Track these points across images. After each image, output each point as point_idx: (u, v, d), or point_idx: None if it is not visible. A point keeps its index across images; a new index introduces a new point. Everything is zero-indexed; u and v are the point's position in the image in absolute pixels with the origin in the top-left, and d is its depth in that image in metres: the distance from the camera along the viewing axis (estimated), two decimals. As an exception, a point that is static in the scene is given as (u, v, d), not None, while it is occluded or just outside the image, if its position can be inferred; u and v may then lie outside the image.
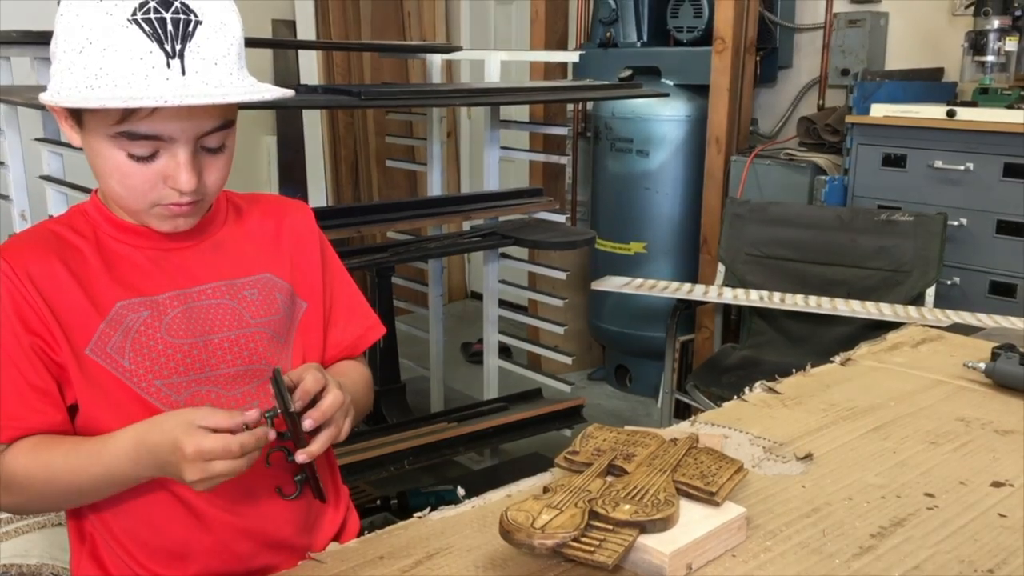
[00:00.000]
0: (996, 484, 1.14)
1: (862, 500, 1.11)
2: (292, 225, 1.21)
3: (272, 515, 1.11)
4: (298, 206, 1.25)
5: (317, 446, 1.00)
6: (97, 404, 1.03)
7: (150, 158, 1.00)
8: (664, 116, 3.64)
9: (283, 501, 1.10)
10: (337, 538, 1.20)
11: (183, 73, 0.95)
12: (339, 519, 1.22)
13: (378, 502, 2.76)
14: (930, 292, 2.84)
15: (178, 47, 0.94)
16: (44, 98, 0.98)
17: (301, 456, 1.00)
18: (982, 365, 1.47)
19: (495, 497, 1.13)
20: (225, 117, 1.02)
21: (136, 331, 1.05)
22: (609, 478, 1.05)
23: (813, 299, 2.82)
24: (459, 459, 3.22)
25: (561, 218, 3.07)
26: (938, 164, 2.89)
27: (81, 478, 1.00)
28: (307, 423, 0.99)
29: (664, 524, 0.96)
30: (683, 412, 3.55)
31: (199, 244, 1.13)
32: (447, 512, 1.09)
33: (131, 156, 0.99)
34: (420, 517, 1.08)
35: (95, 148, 1.01)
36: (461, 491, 1.14)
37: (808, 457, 1.22)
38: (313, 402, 1.01)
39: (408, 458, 2.67)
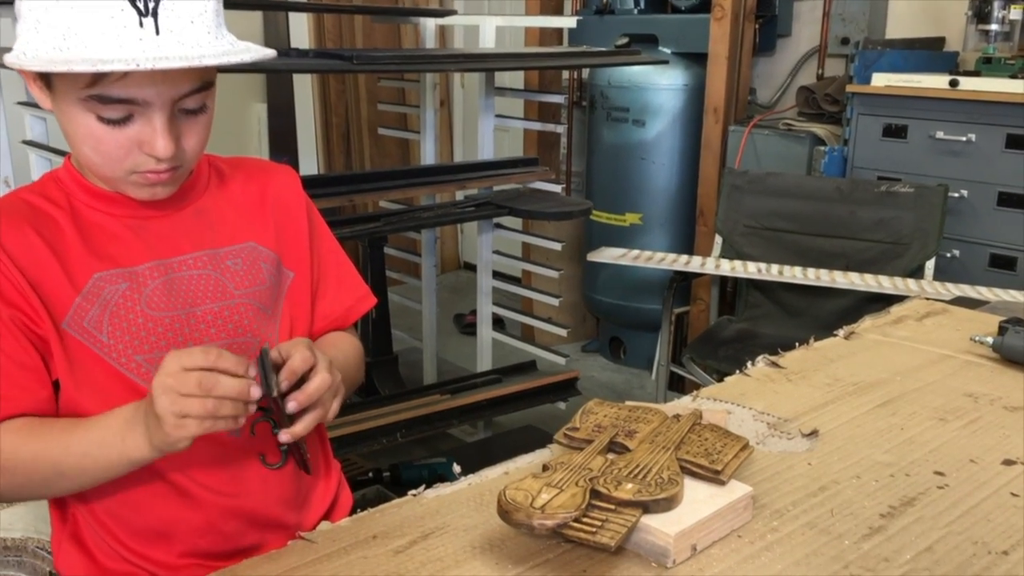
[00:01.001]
0: (1007, 462, 1.11)
1: (870, 478, 1.07)
2: (277, 191, 1.16)
3: (259, 492, 1.07)
4: (283, 170, 1.20)
5: (301, 427, 0.95)
6: (76, 382, 0.99)
7: (124, 122, 0.95)
8: (661, 85, 3.58)
9: (271, 478, 1.06)
10: (329, 514, 1.17)
11: (157, 32, 0.89)
12: (330, 495, 1.19)
13: (370, 475, 2.73)
14: (929, 265, 2.81)
15: (151, 4, 0.89)
16: (9, 60, 0.92)
17: (284, 436, 0.95)
18: (989, 339, 1.44)
19: (492, 474, 1.09)
20: (203, 79, 0.97)
21: (114, 304, 1.00)
22: (610, 456, 1.02)
23: (811, 271, 2.79)
24: (452, 432, 3.20)
25: (556, 188, 3.02)
26: (939, 135, 2.85)
27: (67, 458, 0.95)
28: (291, 405, 0.93)
29: (668, 504, 0.93)
30: (677, 385, 3.53)
31: (179, 211, 1.08)
32: (442, 490, 1.05)
33: (103, 120, 0.94)
34: (414, 495, 1.04)
35: (66, 112, 0.95)
36: (457, 468, 1.09)
37: (814, 434, 1.19)
38: (301, 381, 0.95)
39: (401, 431, 2.63)
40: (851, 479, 1.07)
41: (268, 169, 1.19)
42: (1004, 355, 1.42)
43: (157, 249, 1.05)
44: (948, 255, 2.87)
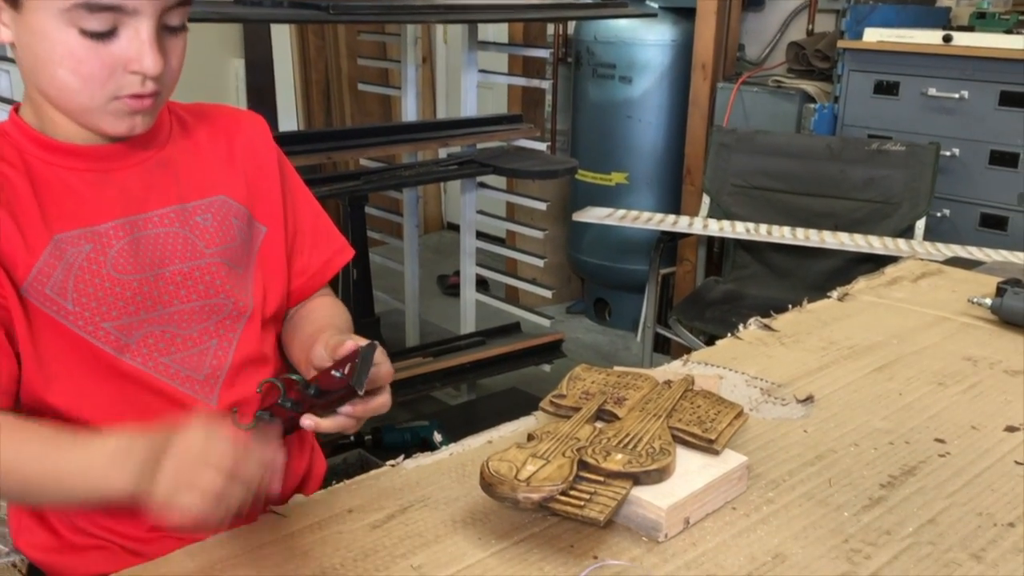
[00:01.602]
0: (1010, 428, 1.07)
1: (869, 446, 1.03)
2: (246, 140, 1.09)
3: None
4: (251, 118, 1.13)
5: (329, 424, 0.84)
6: (39, 355, 0.92)
7: (108, 36, 0.88)
8: (648, 41, 3.50)
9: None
10: (302, 485, 1.12)
11: None
12: (303, 464, 1.13)
13: (351, 438, 2.68)
14: (920, 224, 2.76)
15: None
16: None
17: (309, 422, 0.83)
18: (988, 301, 1.40)
19: (475, 443, 1.04)
20: None
21: (79, 268, 0.94)
22: (599, 424, 0.97)
23: (800, 231, 2.74)
24: (435, 395, 3.15)
25: (541, 146, 2.95)
26: (932, 92, 2.79)
27: (39, 478, 0.85)
28: (346, 409, 0.84)
29: (660, 475, 0.88)
30: (663, 346, 3.50)
31: (143, 163, 1.01)
32: (423, 460, 1.00)
33: (85, 34, 0.87)
34: (393, 465, 0.99)
35: (41, 31, 0.87)
36: (438, 437, 1.03)
37: (809, 399, 1.14)
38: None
39: (383, 394, 2.58)
40: (849, 447, 1.03)
41: (235, 116, 1.12)
42: (1003, 317, 1.38)
43: (121, 205, 0.98)
44: (938, 215, 2.83)
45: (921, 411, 1.11)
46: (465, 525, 0.88)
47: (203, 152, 1.06)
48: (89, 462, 0.82)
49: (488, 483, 0.84)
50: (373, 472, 0.98)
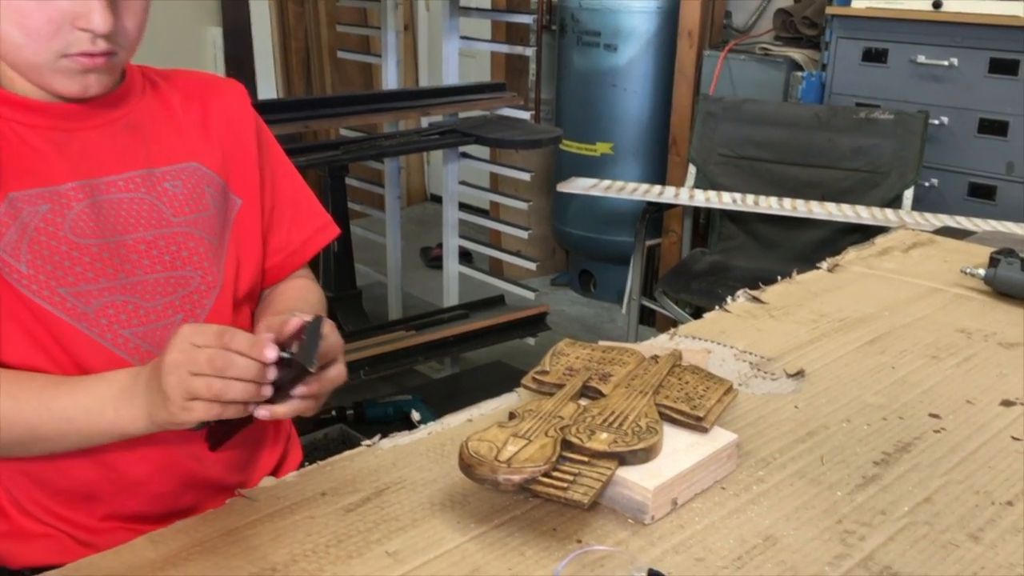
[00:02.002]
0: (1006, 403, 1.04)
1: (862, 422, 1.00)
2: (223, 107, 1.04)
3: (196, 451, 0.97)
4: (229, 84, 1.08)
5: (285, 409, 0.79)
6: None
7: None
8: (634, 7, 3.43)
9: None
10: (275, 472, 1.07)
11: None
12: (278, 451, 1.09)
13: (333, 413, 2.64)
14: (908, 194, 2.73)
15: None
16: None
17: (263, 412, 0.78)
18: (981, 271, 1.36)
19: (454, 422, 1.00)
20: None
21: (34, 229, 0.89)
22: (583, 402, 0.93)
23: (788, 201, 2.71)
24: (419, 368, 3.11)
25: (525, 115, 2.90)
26: (921, 59, 2.75)
27: (46, 422, 0.83)
28: (300, 389, 0.79)
29: (646, 455, 0.84)
30: (649, 319, 3.47)
31: (109, 124, 0.95)
32: (400, 440, 0.96)
33: None
34: (369, 445, 0.95)
35: None
36: (416, 415, 0.99)
37: (800, 374, 1.11)
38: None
39: (364, 368, 2.54)
40: (841, 423, 1.00)
41: (212, 83, 1.07)
42: (997, 288, 1.35)
43: (83, 167, 0.92)
44: (926, 184, 2.80)
45: (915, 385, 1.08)
46: (443, 508, 0.84)
47: (175, 117, 1.01)
48: (98, 403, 0.82)
49: (467, 464, 0.80)
50: (348, 453, 0.93)
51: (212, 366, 0.74)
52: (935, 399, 1.05)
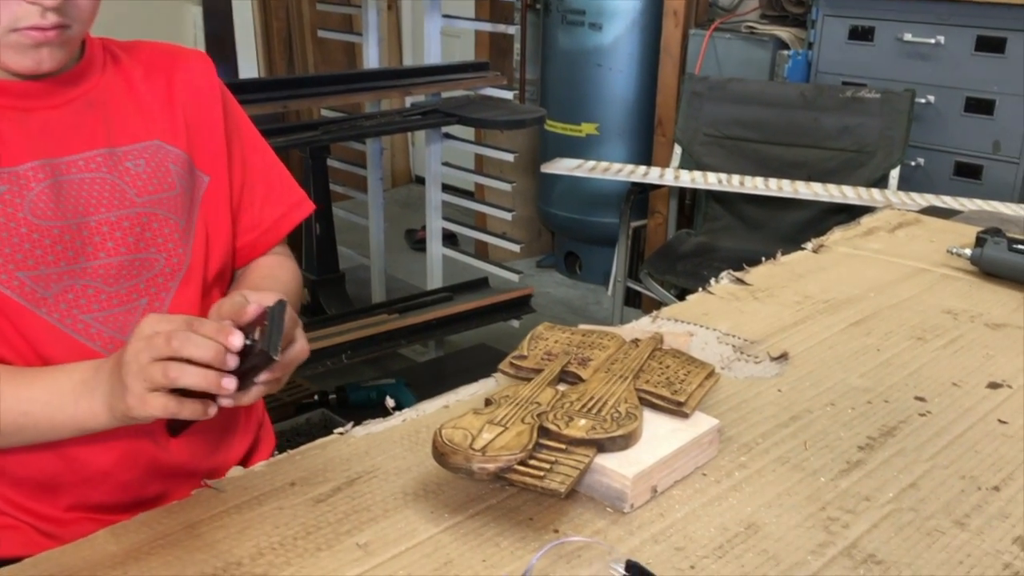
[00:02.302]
0: (992, 385, 1.02)
1: (846, 406, 0.98)
2: (187, 80, 1.00)
3: (162, 438, 0.94)
4: (194, 55, 1.04)
5: (250, 396, 0.77)
6: None
7: None
8: (619, -14, 3.39)
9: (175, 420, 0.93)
10: (247, 460, 1.05)
11: None
12: (249, 439, 1.06)
13: (315, 397, 2.61)
14: (894, 174, 2.71)
15: None
16: None
17: (227, 401, 0.76)
18: (967, 251, 1.34)
19: (430, 408, 0.98)
20: None
21: None
22: (562, 387, 0.90)
23: (773, 182, 2.68)
24: (403, 352, 3.09)
25: (508, 95, 2.86)
26: (907, 37, 2.73)
27: (2, 415, 0.80)
28: (264, 375, 0.76)
29: (625, 441, 0.82)
30: (635, 300, 3.45)
31: (69, 102, 0.92)
32: (373, 427, 0.93)
33: None
34: (341, 433, 0.92)
35: None
36: (390, 402, 0.96)
37: (783, 357, 1.09)
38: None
39: (346, 352, 2.51)
40: (825, 407, 0.98)
41: (175, 54, 1.03)
42: (983, 268, 1.33)
43: (41, 146, 0.89)
44: (913, 164, 2.78)
45: (900, 368, 1.06)
46: (416, 498, 0.81)
47: (138, 92, 0.97)
48: (57, 397, 0.80)
49: (441, 453, 0.78)
50: (320, 441, 0.91)
51: (169, 346, 0.71)
52: (921, 382, 1.03)
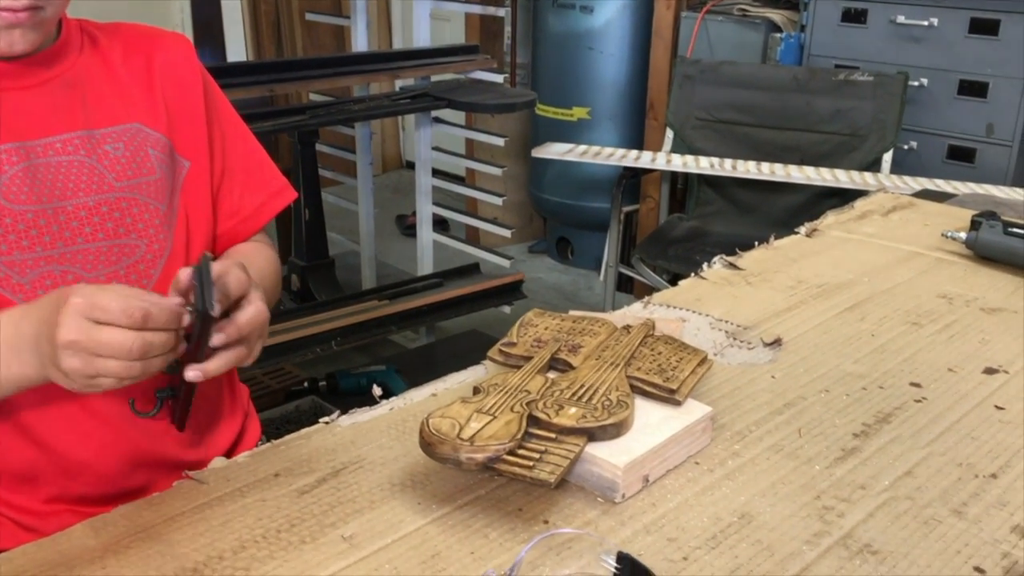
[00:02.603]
0: (989, 371, 1.01)
1: (841, 392, 0.96)
2: (166, 62, 0.98)
3: (145, 427, 0.92)
4: (174, 38, 1.01)
5: (216, 365, 0.75)
6: None
7: None
8: (610, -32, 3.36)
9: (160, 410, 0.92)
10: (232, 450, 1.03)
11: None
12: (235, 428, 1.04)
13: (305, 384, 2.60)
14: (887, 157, 2.70)
15: None
16: None
17: (193, 373, 0.75)
18: (963, 235, 1.33)
19: (417, 397, 0.96)
20: None
21: None
22: (551, 375, 0.89)
23: (766, 166, 2.67)
24: (394, 338, 3.07)
25: (499, 78, 2.83)
26: (900, 19, 2.71)
27: None
28: (217, 338, 0.75)
29: (616, 430, 0.80)
30: (627, 286, 3.43)
31: (44, 83, 0.89)
32: (359, 416, 0.91)
33: None
34: (327, 423, 0.90)
35: None
36: (377, 391, 0.94)
37: (777, 342, 1.07)
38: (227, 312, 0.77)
39: (336, 338, 2.49)
40: (819, 393, 0.96)
41: (154, 36, 1.00)
42: (978, 252, 1.31)
43: (16, 128, 0.87)
44: (905, 147, 2.77)
45: (895, 353, 1.05)
46: (403, 489, 0.80)
47: (116, 74, 0.95)
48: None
49: (428, 443, 0.76)
50: (304, 431, 0.89)
51: (125, 351, 0.69)
52: (916, 367, 1.02)
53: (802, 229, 1.45)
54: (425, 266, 3.02)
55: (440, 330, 3.13)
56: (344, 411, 0.92)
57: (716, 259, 1.31)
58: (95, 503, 0.89)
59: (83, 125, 0.91)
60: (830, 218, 1.50)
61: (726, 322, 1.12)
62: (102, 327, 0.69)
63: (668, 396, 0.86)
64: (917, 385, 0.98)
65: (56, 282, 0.87)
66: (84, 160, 0.90)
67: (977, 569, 0.70)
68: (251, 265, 0.96)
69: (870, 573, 0.70)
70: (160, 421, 0.90)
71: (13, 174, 0.85)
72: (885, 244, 1.39)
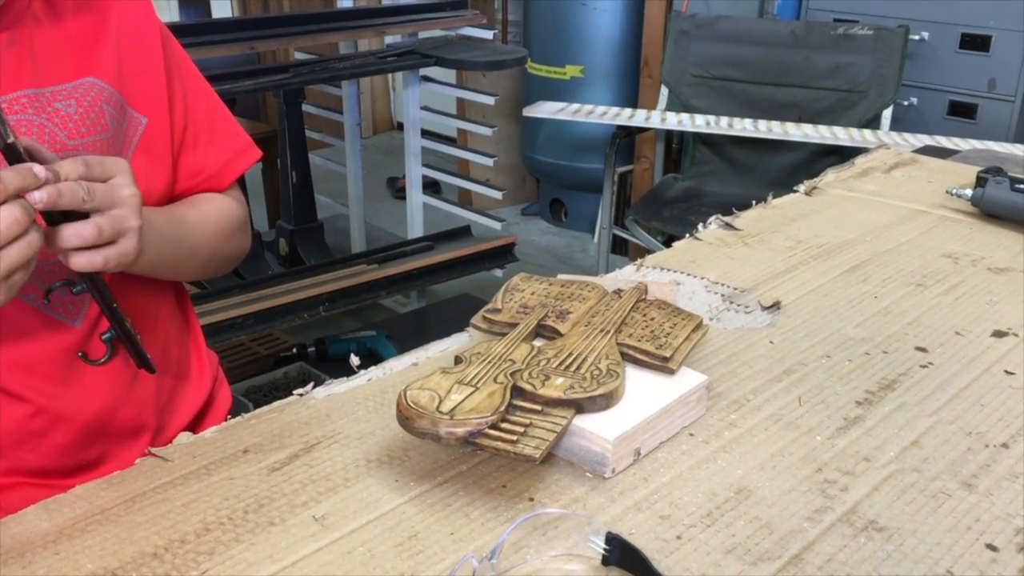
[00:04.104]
0: (997, 333, 0.96)
1: (843, 358, 0.92)
2: (122, 15, 0.92)
3: (101, 392, 0.87)
4: None
5: (70, 231, 0.71)
6: None
7: None
8: (603, -80, 3.27)
9: (120, 375, 0.87)
10: (200, 419, 0.98)
11: None
12: (203, 394, 0.99)
13: (294, 350, 2.55)
14: (886, 114, 2.64)
15: None
16: None
17: (78, 259, 0.72)
18: (968, 192, 1.28)
19: (397, 366, 0.91)
20: None
21: None
22: (538, 342, 0.84)
23: (763, 123, 2.61)
24: (385, 303, 3.02)
25: (489, 35, 2.75)
26: (902, -29, 2.63)
27: None
28: (37, 195, 0.68)
29: (606, 401, 0.76)
30: (621, 247, 3.38)
31: None
32: (335, 388, 0.87)
33: None
34: (300, 395, 0.85)
35: None
36: (355, 360, 0.90)
37: (775, 306, 1.02)
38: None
39: (325, 304, 2.44)
40: (820, 359, 0.91)
41: None
42: (984, 209, 1.26)
43: None
44: (905, 103, 2.71)
45: (899, 316, 1.00)
46: (380, 465, 0.75)
47: (67, 29, 0.88)
48: None
49: (405, 416, 0.71)
50: (277, 404, 0.84)
51: None
52: (921, 331, 0.97)
53: (801, 187, 1.39)
54: (416, 229, 2.96)
55: (432, 294, 3.08)
56: (334, 378, 0.87)
57: (712, 219, 1.26)
58: (55, 475, 0.84)
59: (31, 83, 0.85)
60: (830, 176, 1.45)
61: (722, 285, 1.07)
62: None
63: (661, 364, 0.81)
64: (923, 349, 0.93)
65: None
66: (33, 119, 0.84)
67: (989, 546, 0.66)
68: (188, 205, 0.91)
69: (876, 551, 0.66)
70: (114, 386, 0.86)
71: None
72: (887, 202, 1.33)
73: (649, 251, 1.28)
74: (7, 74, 0.83)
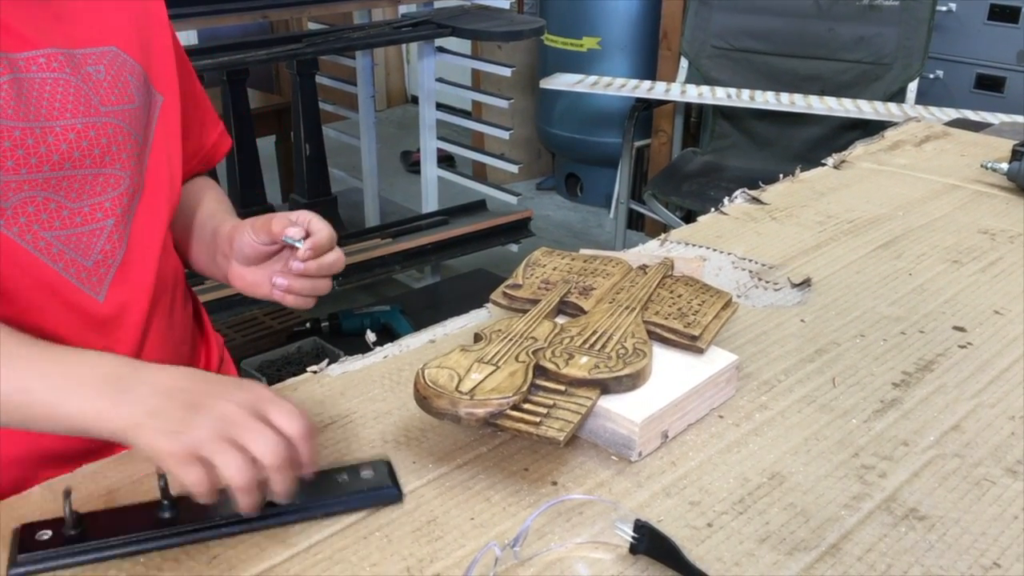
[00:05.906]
0: (1039, 313, 0.92)
1: (877, 337, 0.88)
2: None
3: None
4: None
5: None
6: None
7: None
8: None
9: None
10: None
11: None
12: (214, 360, 0.97)
13: (307, 325, 2.53)
14: (912, 87, 2.58)
15: None
16: None
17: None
18: (1004, 166, 1.23)
19: (414, 343, 0.88)
20: None
21: None
22: (560, 320, 0.81)
23: (785, 96, 2.55)
24: (399, 277, 2.99)
25: (504, 4, 2.70)
26: (930, -62, 2.56)
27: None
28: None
29: (633, 381, 0.72)
30: (637, 223, 3.34)
31: None
32: (350, 365, 0.84)
33: None
34: (315, 372, 0.83)
35: None
36: (371, 336, 0.87)
37: (806, 283, 0.98)
38: None
39: (338, 278, 2.41)
40: (854, 339, 0.88)
41: None
42: (1021, 183, 1.22)
43: None
44: (931, 76, 2.64)
45: (935, 294, 0.96)
46: (397, 446, 0.72)
47: None
48: (71, 386, 0.65)
49: (423, 396, 0.68)
50: (290, 381, 0.81)
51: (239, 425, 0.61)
52: (959, 309, 0.93)
53: (829, 160, 1.35)
54: (430, 203, 2.92)
55: (446, 269, 3.05)
56: (348, 353, 0.84)
57: (738, 193, 1.22)
58: (68, 459, 0.82)
59: (63, 42, 0.81)
60: (859, 149, 1.41)
61: (750, 261, 1.04)
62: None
63: (689, 343, 0.78)
64: (961, 329, 0.89)
65: (39, 209, 0.79)
66: (70, 79, 0.81)
67: (1038, 537, 0.63)
68: (222, 203, 0.88)
69: (918, 541, 0.63)
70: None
71: (1, 86, 0.76)
72: (920, 176, 1.29)
73: (667, 226, 1.25)
74: (42, 28, 0.80)
